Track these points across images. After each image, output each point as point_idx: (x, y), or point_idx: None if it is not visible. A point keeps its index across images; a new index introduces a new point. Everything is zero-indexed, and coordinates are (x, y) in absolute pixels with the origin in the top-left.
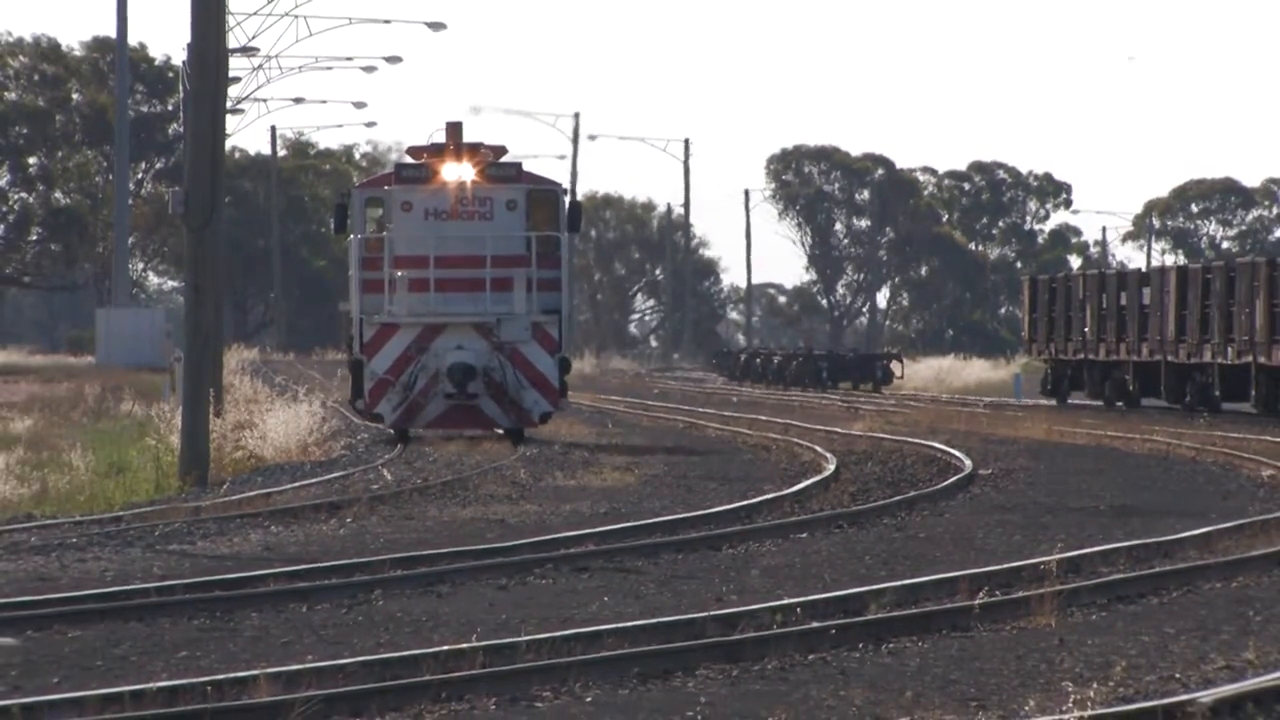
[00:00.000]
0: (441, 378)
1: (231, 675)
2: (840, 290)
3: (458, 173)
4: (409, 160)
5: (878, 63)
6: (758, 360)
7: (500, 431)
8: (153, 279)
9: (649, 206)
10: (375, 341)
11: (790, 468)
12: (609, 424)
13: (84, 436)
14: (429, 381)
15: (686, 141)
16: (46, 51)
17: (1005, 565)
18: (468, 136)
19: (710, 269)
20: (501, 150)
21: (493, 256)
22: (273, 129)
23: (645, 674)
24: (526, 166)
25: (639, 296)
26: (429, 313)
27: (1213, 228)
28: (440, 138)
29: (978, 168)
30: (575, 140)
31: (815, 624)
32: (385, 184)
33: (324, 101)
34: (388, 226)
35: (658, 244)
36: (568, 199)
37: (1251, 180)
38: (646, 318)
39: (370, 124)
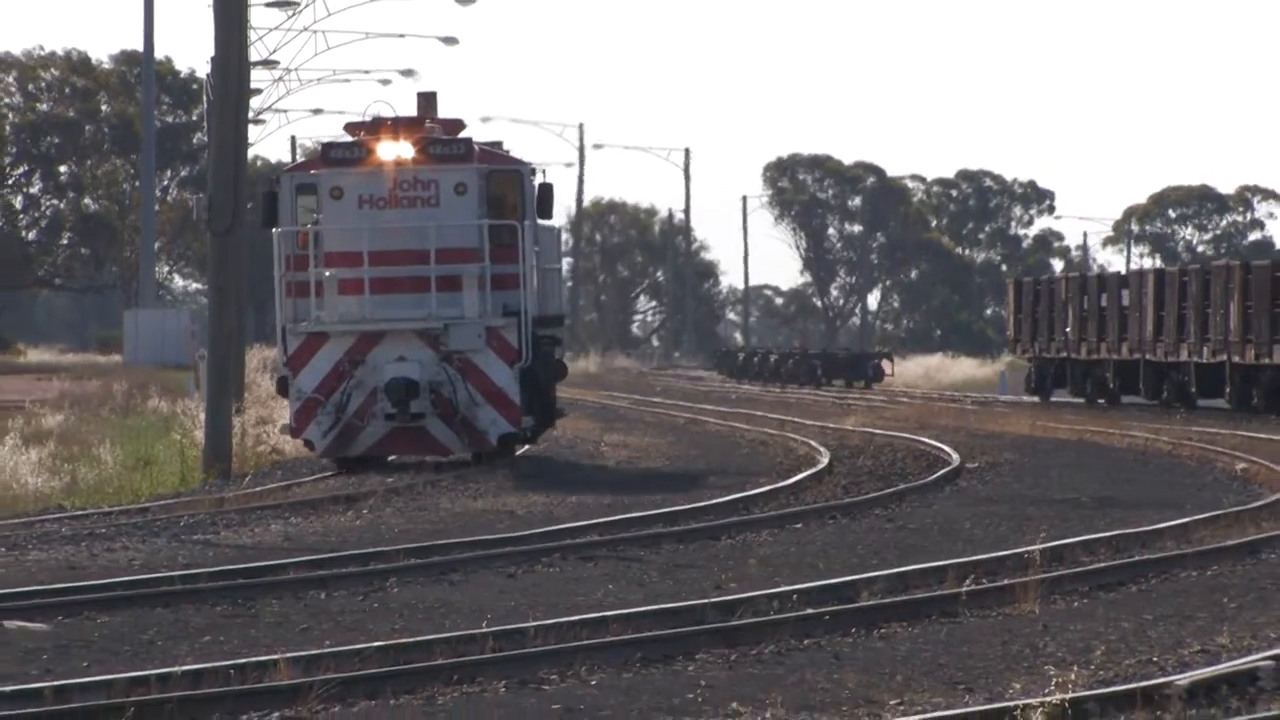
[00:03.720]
0: (379, 396)
1: (253, 659)
2: (834, 292)
3: (395, 152)
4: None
5: (870, 75)
6: (755, 359)
7: (456, 457)
8: (178, 281)
9: (651, 212)
10: (301, 354)
11: (786, 461)
12: (611, 420)
13: (112, 432)
14: (365, 400)
15: (687, 150)
16: (77, 65)
17: (991, 554)
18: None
19: (710, 271)
20: (457, 125)
21: (438, 250)
22: (292, 138)
23: (648, 658)
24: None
25: (641, 298)
26: (364, 319)
27: (1189, 233)
28: (385, 111)
29: (965, 175)
30: (581, 149)
31: (810, 610)
32: (316, 168)
33: (341, 112)
34: (316, 217)
35: (660, 248)
36: (537, 179)
37: (1226, 187)
38: (649, 318)
39: None
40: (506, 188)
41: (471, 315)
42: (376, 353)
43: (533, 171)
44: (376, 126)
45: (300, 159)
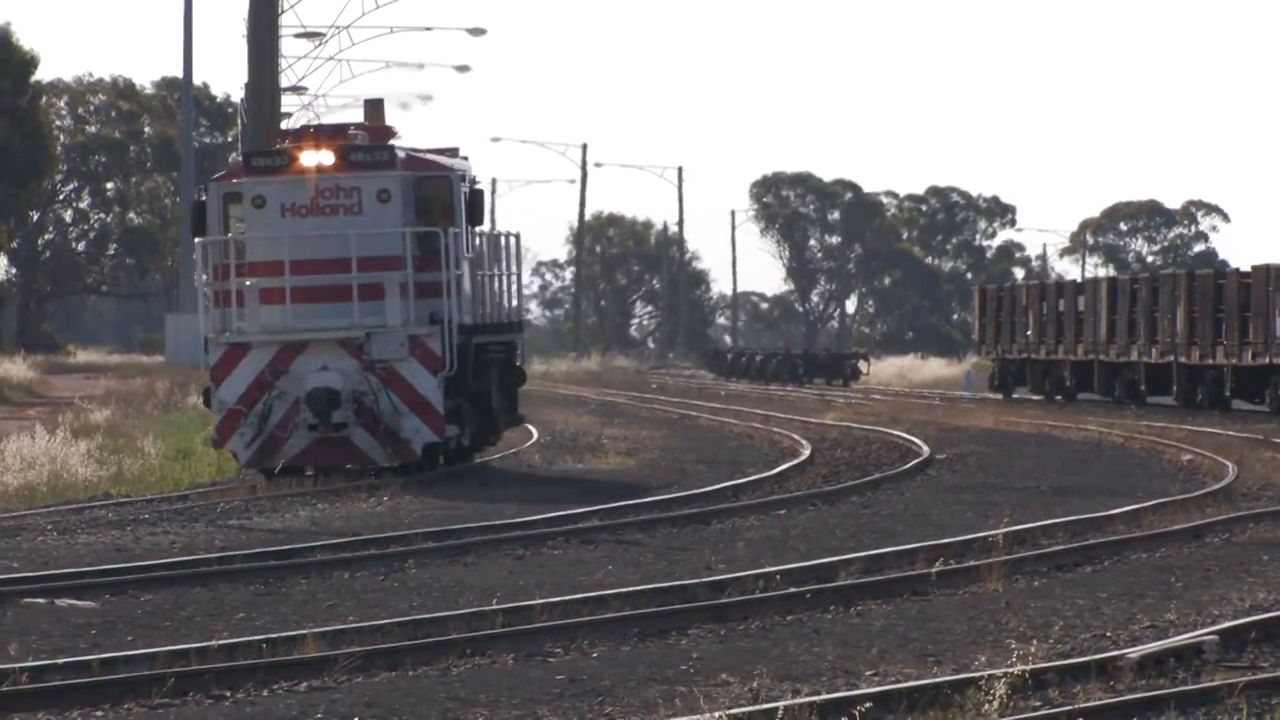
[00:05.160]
0: (302, 406)
1: (283, 634)
2: (814, 298)
3: (316, 160)
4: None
5: (848, 99)
6: (742, 359)
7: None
8: None
9: (647, 225)
10: (224, 365)
11: (770, 453)
12: (611, 415)
13: (155, 426)
14: (288, 411)
15: (680, 168)
16: (122, 90)
17: (958, 538)
18: (499, 171)
19: (701, 279)
20: (386, 132)
21: (360, 258)
22: None
23: (644, 633)
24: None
25: (639, 303)
26: (285, 329)
27: (1139, 244)
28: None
29: (934, 191)
30: (583, 167)
31: (793, 589)
32: (239, 176)
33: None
34: (237, 226)
35: (655, 258)
36: (467, 186)
37: (1173, 202)
38: (645, 321)
39: None
40: (436, 194)
41: (394, 324)
42: (299, 363)
43: (463, 178)
44: (301, 135)
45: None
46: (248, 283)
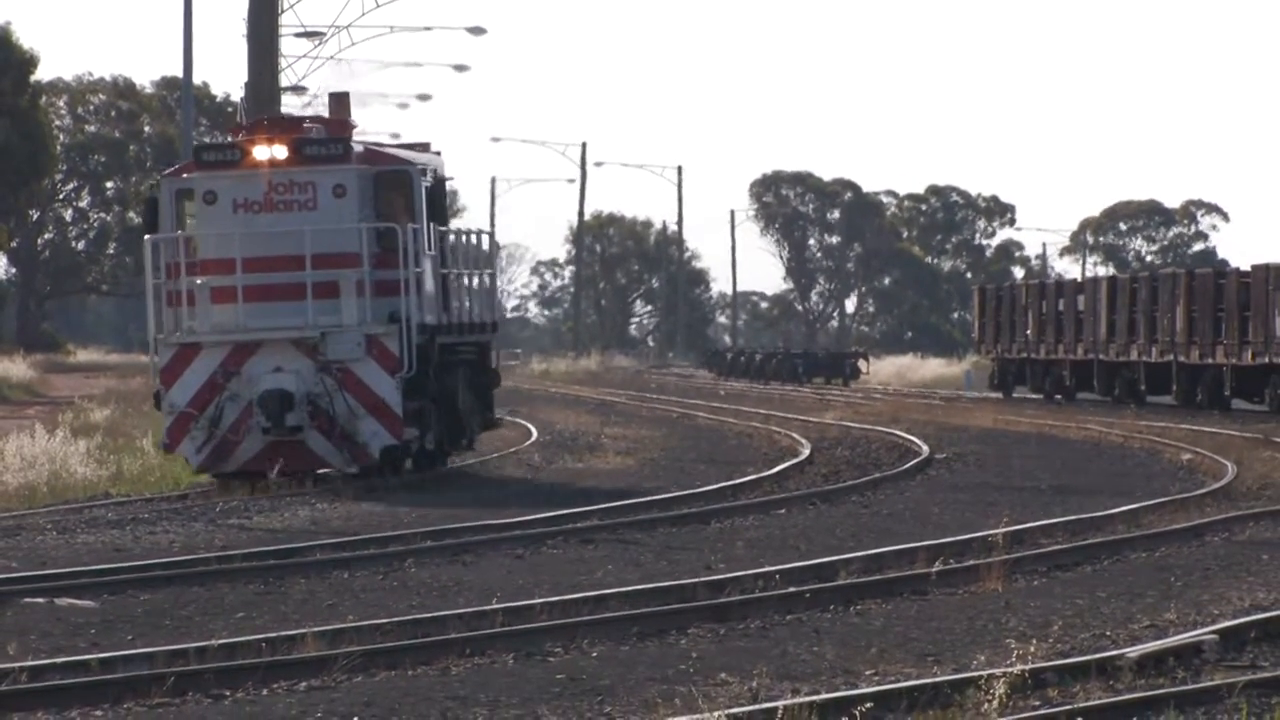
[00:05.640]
0: (255, 409)
1: (283, 633)
2: (814, 297)
3: (269, 154)
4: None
5: (848, 98)
6: (742, 358)
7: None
8: None
9: (647, 224)
10: (174, 367)
11: (770, 452)
12: (610, 415)
13: (154, 425)
14: (241, 414)
15: (680, 168)
16: (122, 90)
17: (958, 537)
18: (498, 170)
19: (700, 278)
20: (343, 125)
21: (315, 255)
22: None
23: (644, 632)
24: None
25: (638, 302)
26: (237, 329)
27: (1139, 243)
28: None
29: (934, 191)
30: (583, 167)
31: (792, 588)
32: (190, 171)
33: (363, 134)
34: (191, 223)
35: (655, 257)
36: (429, 180)
37: (1173, 202)
38: (645, 321)
39: None
40: (395, 189)
41: (350, 323)
42: (252, 364)
43: (424, 172)
44: (255, 128)
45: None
46: (199, 281)
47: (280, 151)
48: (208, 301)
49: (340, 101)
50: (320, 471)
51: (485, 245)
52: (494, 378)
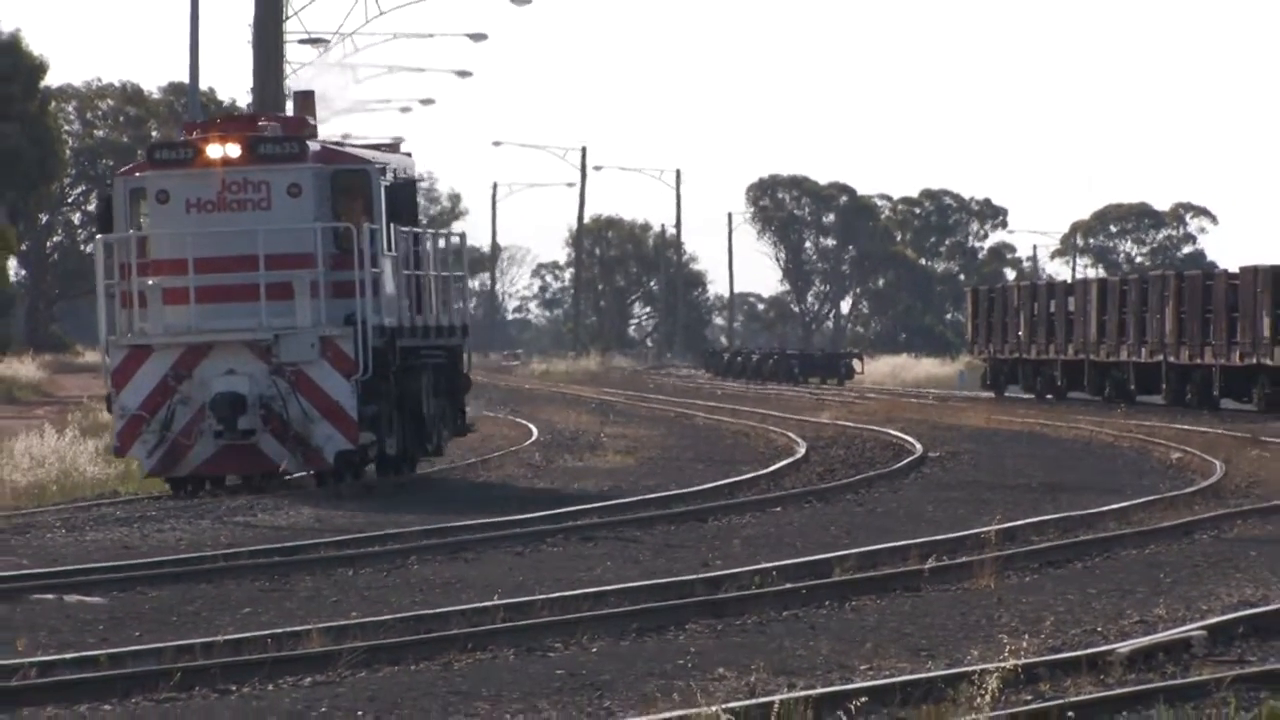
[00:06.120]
0: (207, 412)
1: (288, 629)
2: (809, 299)
3: (222, 152)
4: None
5: (843, 103)
6: (739, 359)
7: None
8: None
9: (646, 227)
10: (125, 369)
11: (766, 451)
12: (609, 414)
13: None
14: (193, 417)
15: (678, 171)
16: (130, 95)
17: (951, 535)
18: (500, 174)
19: (698, 281)
20: (300, 124)
21: (268, 256)
22: None
23: (643, 628)
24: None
25: (637, 304)
26: (189, 330)
27: (1129, 246)
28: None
29: (927, 194)
30: (583, 171)
31: (789, 585)
32: (143, 170)
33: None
34: (140, 223)
35: (653, 259)
36: (389, 179)
37: (1162, 205)
38: (643, 322)
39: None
40: (353, 189)
41: (304, 324)
42: (204, 366)
43: (383, 171)
44: (208, 127)
45: None
46: (150, 282)
47: (234, 150)
48: (160, 303)
49: (305, 100)
50: (292, 477)
51: (455, 247)
52: (465, 382)
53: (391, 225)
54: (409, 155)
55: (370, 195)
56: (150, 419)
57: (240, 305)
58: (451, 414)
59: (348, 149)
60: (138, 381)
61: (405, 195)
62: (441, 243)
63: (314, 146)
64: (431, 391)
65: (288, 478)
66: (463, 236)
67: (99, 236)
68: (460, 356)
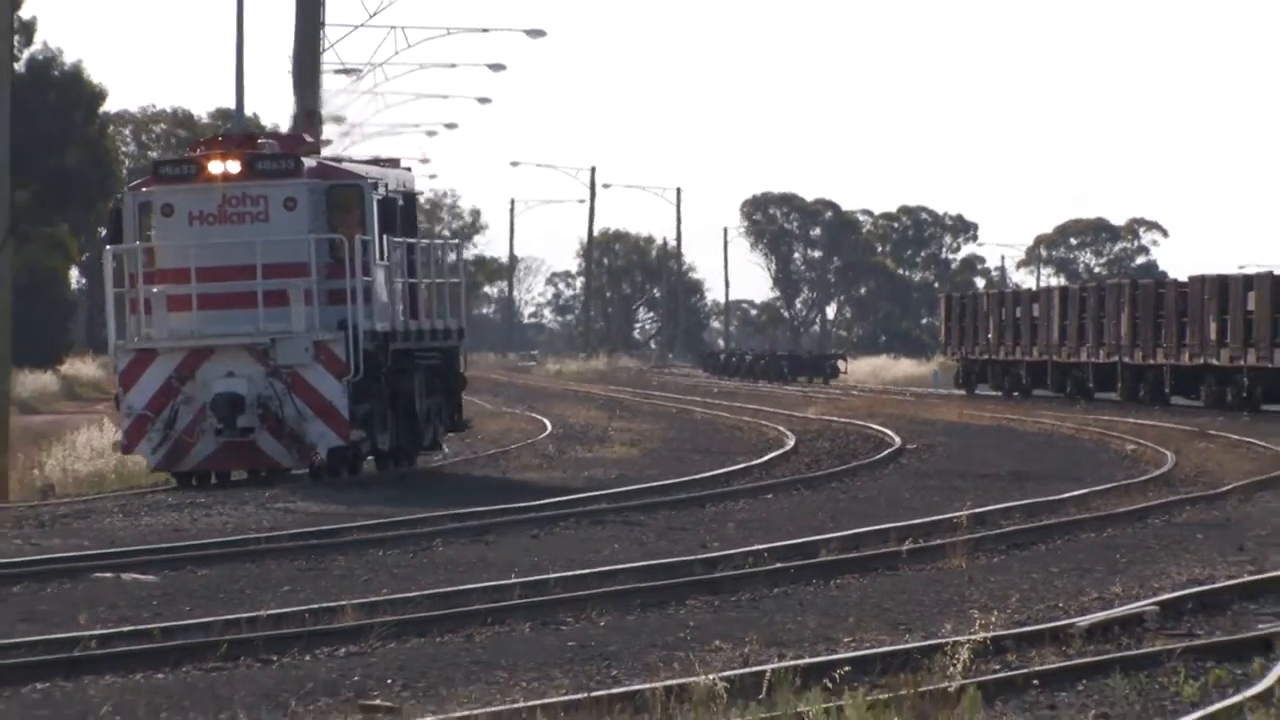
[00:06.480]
0: (208, 412)
1: (324, 605)
2: (798, 305)
3: (223, 168)
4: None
5: (828, 126)
6: (734, 359)
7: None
8: None
9: (649, 240)
10: (132, 371)
11: (758, 443)
12: (616, 410)
13: None
14: (195, 416)
15: (678, 189)
16: (181, 119)
17: (926, 519)
18: (517, 192)
19: (697, 288)
20: (296, 141)
21: (265, 265)
22: None
23: (647, 604)
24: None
25: (641, 310)
26: (192, 335)
27: (1088, 257)
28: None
29: (905, 210)
30: (592, 188)
31: (779, 565)
32: (150, 185)
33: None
34: (147, 235)
35: (656, 269)
36: (381, 192)
37: (1118, 219)
38: (647, 326)
39: (432, 176)
40: (347, 203)
41: (299, 329)
42: (205, 369)
43: (375, 186)
44: (211, 144)
45: None
46: (155, 290)
47: (233, 166)
48: (164, 309)
49: (310, 119)
50: (297, 472)
51: (450, 257)
52: (460, 381)
53: (384, 236)
54: (408, 170)
55: (363, 208)
56: (155, 418)
57: (239, 312)
58: (448, 411)
59: (343, 165)
60: (144, 383)
61: (400, 208)
62: (439, 252)
63: (309, 163)
64: (425, 391)
65: (294, 471)
66: (459, 247)
67: (108, 248)
68: (456, 357)
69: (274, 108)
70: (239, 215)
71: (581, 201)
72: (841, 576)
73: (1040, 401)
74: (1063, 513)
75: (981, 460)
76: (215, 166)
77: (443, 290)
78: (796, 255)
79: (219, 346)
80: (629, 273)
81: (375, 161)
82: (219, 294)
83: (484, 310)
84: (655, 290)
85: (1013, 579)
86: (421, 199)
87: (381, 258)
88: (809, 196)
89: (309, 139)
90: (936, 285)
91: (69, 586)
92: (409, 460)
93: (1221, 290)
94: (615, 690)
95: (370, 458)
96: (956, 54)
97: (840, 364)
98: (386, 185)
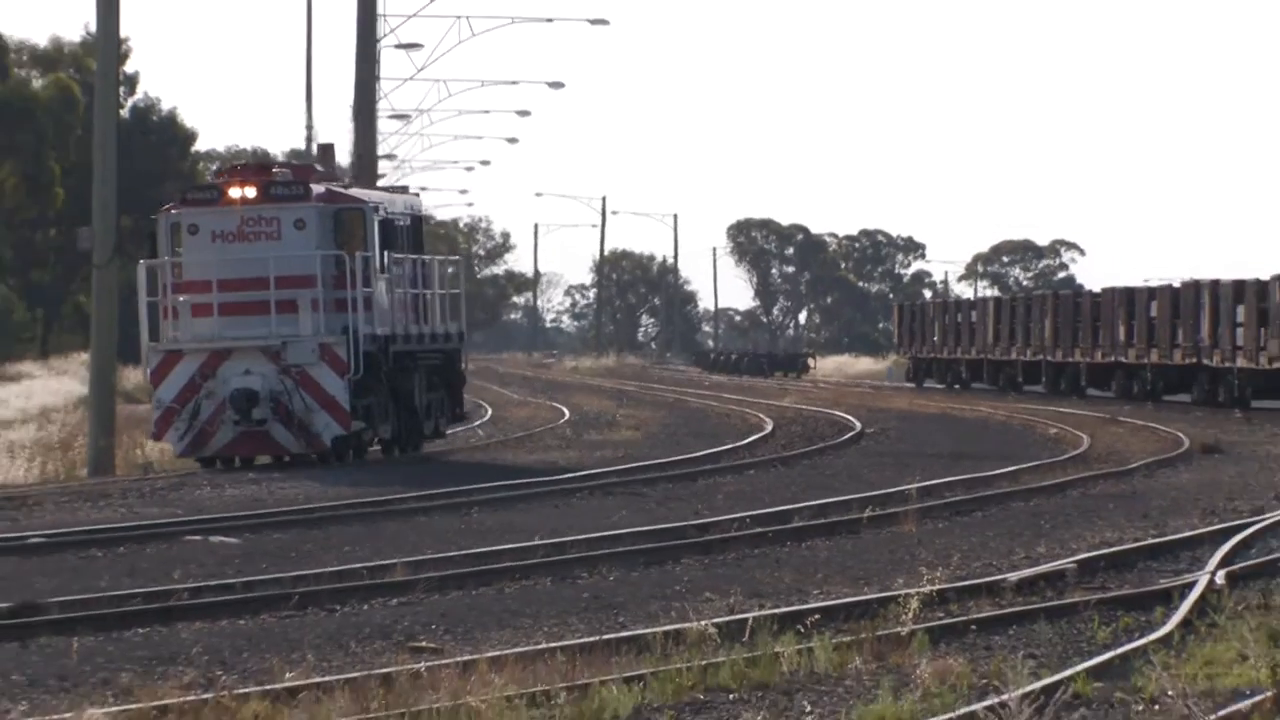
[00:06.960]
0: (227, 405)
1: (378, 563)
2: (775, 312)
3: (242, 193)
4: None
5: (802, 160)
6: (722, 358)
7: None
8: None
9: (651, 258)
10: (161, 370)
11: (742, 427)
12: (623, 400)
13: None
14: (216, 409)
15: (675, 215)
16: (259, 158)
17: (883, 491)
18: (540, 217)
19: (690, 298)
20: (307, 170)
21: (277, 278)
22: None
23: (648, 562)
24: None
25: (643, 316)
26: (213, 338)
27: (1017, 272)
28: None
29: (865, 233)
30: (603, 214)
31: (759, 529)
32: (178, 209)
33: (440, 190)
34: (176, 251)
35: (656, 282)
36: (381, 214)
37: (1043, 240)
38: (649, 329)
39: (469, 204)
40: (352, 224)
41: (306, 333)
42: (225, 367)
43: (377, 209)
44: (232, 172)
45: None
46: (181, 299)
47: (250, 191)
48: (189, 315)
49: (326, 152)
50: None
51: (450, 271)
52: (460, 378)
53: (385, 252)
54: (417, 196)
55: (365, 229)
56: (181, 410)
57: (255, 318)
58: (449, 404)
59: (348, 191)
60: (171, 380)
61: (404, 228)
62: (441, 268)
63: (318, 189)
64: (426, 387)
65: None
66: (457, 261)
67: (141, 262)
68: (457, 358)
69: (339, 147)
70: (255, 234)
71: (594, 226)
72: (811, 539)
73: (978, 393)
74: (996, 486)
75: (929, 442)
76: (235, 191)
77: (444, 300)
78: (774, 270)
79: (236, 348)
80: (634, 285)
81: (389, 189)
82: (237, 302)
83: (513, 316)
84: (656, 300)
85: (954, 541)
86: (460, 223)
87: (383, 271)
88: (785, 221)
89: (319, 168)
90: (891, 295)
91: (165, 547)
92: (413, 447)
93: (1129, 300)
94: (622, 634)
95: (376, 445)
96: (911, 101)
97: (810, 361)
98: (390, 209)
